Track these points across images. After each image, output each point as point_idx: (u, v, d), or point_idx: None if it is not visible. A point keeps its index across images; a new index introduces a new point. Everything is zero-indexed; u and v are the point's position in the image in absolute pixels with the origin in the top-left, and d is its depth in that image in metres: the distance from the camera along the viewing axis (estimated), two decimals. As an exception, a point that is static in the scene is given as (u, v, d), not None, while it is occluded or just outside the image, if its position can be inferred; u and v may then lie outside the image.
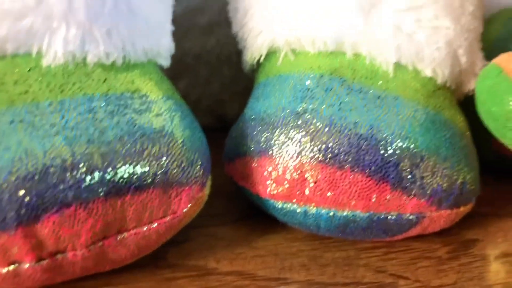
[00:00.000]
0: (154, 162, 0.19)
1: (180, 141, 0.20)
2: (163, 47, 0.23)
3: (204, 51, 0.33)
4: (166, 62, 0.23)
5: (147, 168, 0.18)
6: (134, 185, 0.18)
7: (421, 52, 0.22)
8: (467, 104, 0.26)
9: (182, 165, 0.19)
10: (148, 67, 0.22)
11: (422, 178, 0.21)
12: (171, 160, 0.19)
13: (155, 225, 0.19)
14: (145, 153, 0.19)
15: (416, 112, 0.22)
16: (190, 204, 0.19)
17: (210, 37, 0.32)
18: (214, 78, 0.34)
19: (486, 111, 0.20)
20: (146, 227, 0.19)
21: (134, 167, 0.18)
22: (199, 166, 0.20)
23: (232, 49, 0.31)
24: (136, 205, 0.18)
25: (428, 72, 0.22)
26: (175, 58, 0.32)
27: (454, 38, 0.23)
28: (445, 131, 0.22)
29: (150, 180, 0.18)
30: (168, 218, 0.19)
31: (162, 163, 0.19)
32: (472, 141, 0.24)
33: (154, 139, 0.19)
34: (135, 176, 0.18)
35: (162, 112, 0.20)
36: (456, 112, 0.23)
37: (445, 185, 0.21)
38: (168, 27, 0.24)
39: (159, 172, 0.19)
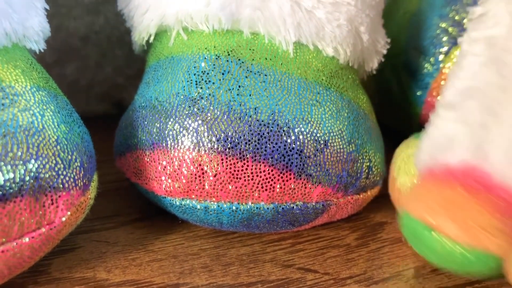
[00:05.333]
0: (21, 166, 0.16)
1: (53, 139, 0.17)
2: (31, 28, 0.19)
3: (92, 32, 0.29)
4: (38, 45, 0.20)
5: (11, 175, 0.16)
6: (-3, 195, 0.15)
7: (322, 30, 0.21)
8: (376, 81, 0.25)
9: (57, 168, 0.16)
10: (13, 53, 0.19)
11: (327, 164, 0.20)
12: (42, 162, 0.16)
13: (26, 239, 0.16)
14: (9, 156, 0.16)
15: (318, 94, 0.20)
16: (69, 212, 0.17)
17: (98, 17, 0.29)
18: (106, 61, 0.31)
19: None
20: (15, 243, 0.16)
21: (-5, 174, 0.15)
22: (78, 167, 0.17)
23: (123, 29, 0.29)
24: (1, 218, 0.15)
25: (329, 51, 0.21)
26: (58, 40, 0.29)
27: (355, 15, 0.21)
28: (348, 113, 0.21)
29: (16, 188, 0.16)
30: (43, 230, 0.16)
31: (31, 167, 0.16)
32: (376, 121, 0.23)
33: (20, 138, 0.16)
34: (-2, 184, 0.15)
35: (31, 106, 0.17)
36: (359, 93, 0.22)
37: (350, 170, 0.20)
38: (40, 5, 0.20)
39: (28, 177, 0.16)
